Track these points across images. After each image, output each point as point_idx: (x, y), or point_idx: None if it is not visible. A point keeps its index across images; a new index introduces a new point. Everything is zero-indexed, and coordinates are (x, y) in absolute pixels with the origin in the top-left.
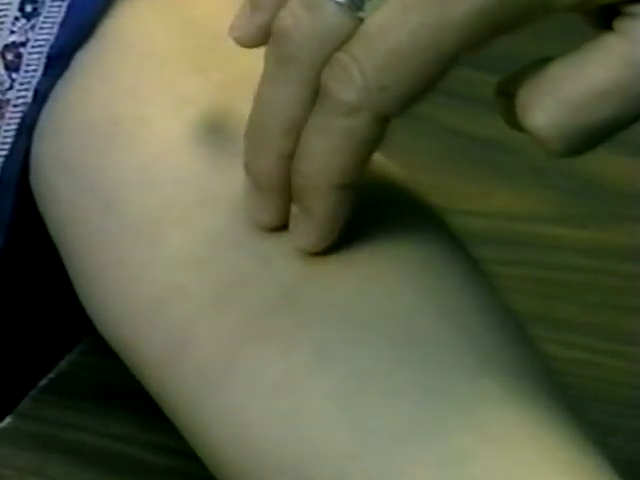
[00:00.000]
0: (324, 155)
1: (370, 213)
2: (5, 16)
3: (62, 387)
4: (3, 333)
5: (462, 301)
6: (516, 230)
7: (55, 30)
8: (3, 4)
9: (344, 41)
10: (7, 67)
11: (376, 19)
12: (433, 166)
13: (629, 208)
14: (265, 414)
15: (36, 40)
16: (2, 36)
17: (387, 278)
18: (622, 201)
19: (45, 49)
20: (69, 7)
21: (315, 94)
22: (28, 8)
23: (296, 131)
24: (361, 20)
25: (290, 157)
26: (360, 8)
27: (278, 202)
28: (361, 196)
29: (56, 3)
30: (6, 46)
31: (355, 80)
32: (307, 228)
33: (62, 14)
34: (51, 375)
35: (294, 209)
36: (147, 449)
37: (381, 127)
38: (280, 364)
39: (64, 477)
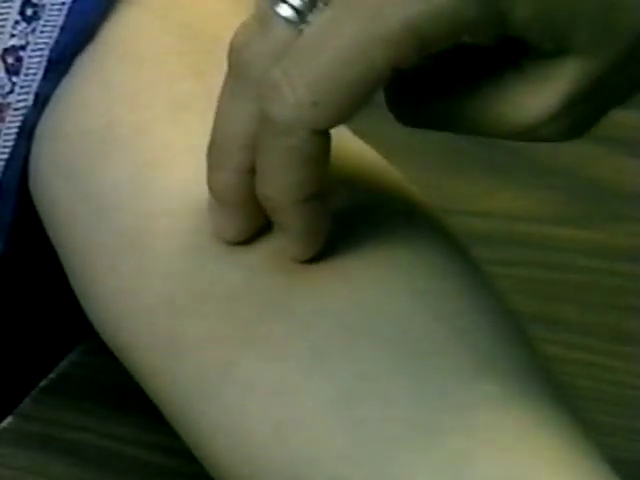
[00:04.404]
0: (275, 174)
1: (365, 215)
2: (5, 20)
3: (62, 387)
4: (4, 335)
5: (459, 303)
6: (516, 230)
7: (55, 34)
8: (3, 8)
9: None
10: (7, 70)
11: (308, 34)
12: (433, 166)
13: (629, 208)
14: (262, 419)
15: (36, 44)
16: (2, 40)
17: (381, 281)
18: (622, 201)
19: (45, 53)
20: (69, 11)
21: None
22: (28, 12)
23: (253, 146)
24: None
25: (249, 172)
26: (305, 21)
27: (239, 217)
28: (357, 198)
29: (56, 7)
30: (6, 50)
31: (286, 97)
32: (286, 241)
33: (62, 18)
34: (51, 375)
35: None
36: (147, 449)
37: (322, 140)
38: (276, 369)
39: (64, 477)
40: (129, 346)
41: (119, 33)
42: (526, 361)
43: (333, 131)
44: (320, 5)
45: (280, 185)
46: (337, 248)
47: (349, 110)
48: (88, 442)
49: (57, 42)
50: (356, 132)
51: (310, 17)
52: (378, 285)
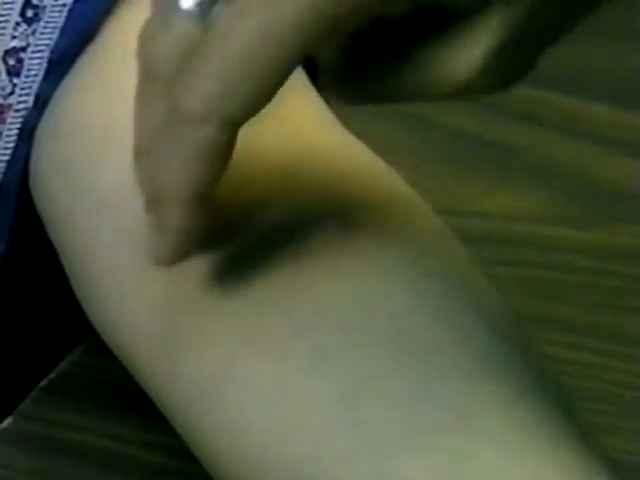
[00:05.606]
0: (178, 166)
1: (364, 216)
2: (6, 21)
3: (62, 388)
4: (4, 335)
5: (459, 302)
6: (516, 231)
7: (56, 35)
8: (4, 9)
9: None
10: (8, 72)
11: (216, 26)
12: (433, 167)
13: (629, 208)
14: (263, 419)
15: (37, 45)
16: (3, 41)
17: (381, 281)
18: (622, 201)
19: (46, 54)
20: (70, 12)
21: None
22: (29, 13)
23: None
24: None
25: None
26: (208, 13)
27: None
28: (356, 199)
29: (57, 8)
30: (7, 51)
31: (198, 89)
32: (161, 241)
33: (63, 19)
34: (51, 376)
35: (149, 220)
36: (147, 449)
37: (231, 133)
38: (277, 369)
39: (64, 477)
40: (129, 346)
41: (119, 34)
42: (525, 360)
43: (332, 131)
44: None
45: (179, 177)
46: (336, 248)
47: (261, 100)
48: (88, 442)
49: (58, 43)
50: (355, 133)
51: (214, 12)
52: (378, 285)
